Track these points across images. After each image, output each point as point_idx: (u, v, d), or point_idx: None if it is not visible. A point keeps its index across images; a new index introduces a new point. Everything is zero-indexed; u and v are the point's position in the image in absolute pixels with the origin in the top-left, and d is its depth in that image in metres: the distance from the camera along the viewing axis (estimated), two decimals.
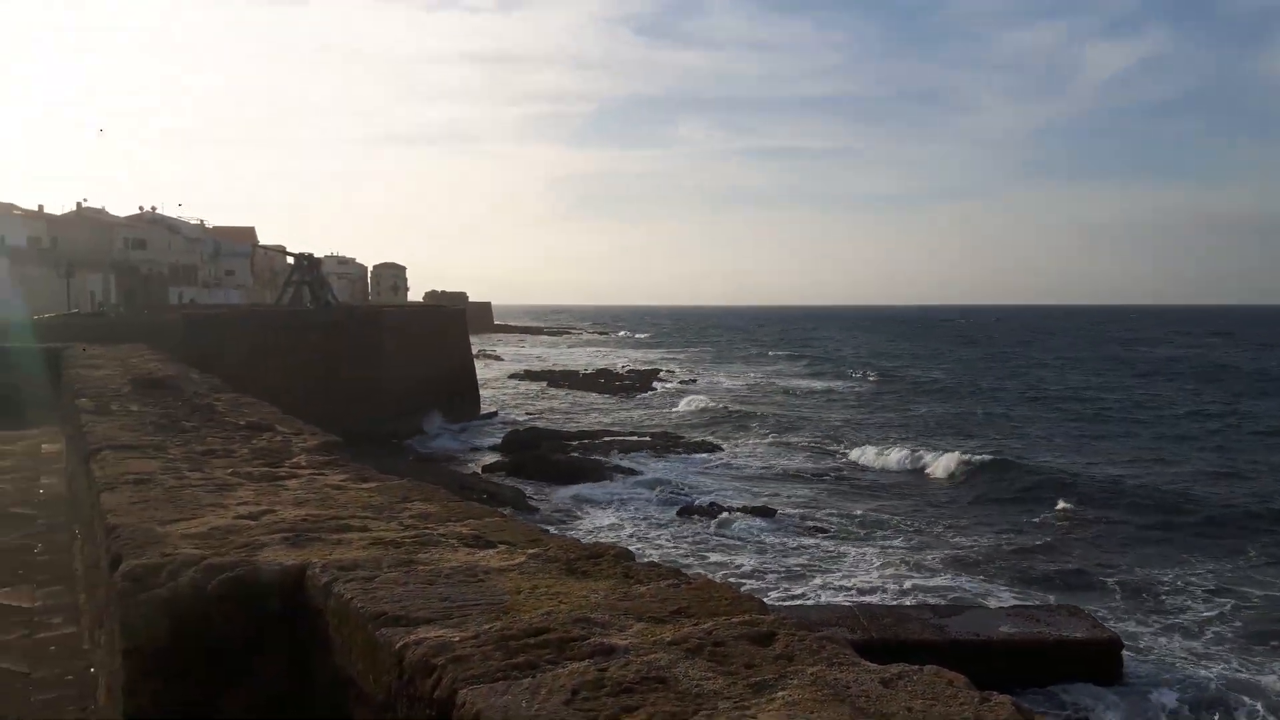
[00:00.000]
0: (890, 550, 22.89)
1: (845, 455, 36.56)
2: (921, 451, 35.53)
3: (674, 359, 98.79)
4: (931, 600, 18.26)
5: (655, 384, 68.21)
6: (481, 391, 53.32)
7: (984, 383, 68.31)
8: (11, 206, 68.20)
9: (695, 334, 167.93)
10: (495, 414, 49.94)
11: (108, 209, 79.35)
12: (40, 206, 71.45)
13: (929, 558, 22.21)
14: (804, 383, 70.30)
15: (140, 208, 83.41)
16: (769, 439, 41.32)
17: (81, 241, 67.47)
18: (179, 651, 2.16)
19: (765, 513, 26.20)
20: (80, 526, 5.39)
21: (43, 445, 9.47)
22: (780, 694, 1.46)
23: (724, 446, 39.06)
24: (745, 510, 26.41)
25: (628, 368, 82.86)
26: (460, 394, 47.78)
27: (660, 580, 2.10)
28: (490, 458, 36.37)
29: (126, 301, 61.33)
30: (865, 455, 35.91)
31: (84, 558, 4.88)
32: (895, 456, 35.03)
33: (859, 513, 26.89)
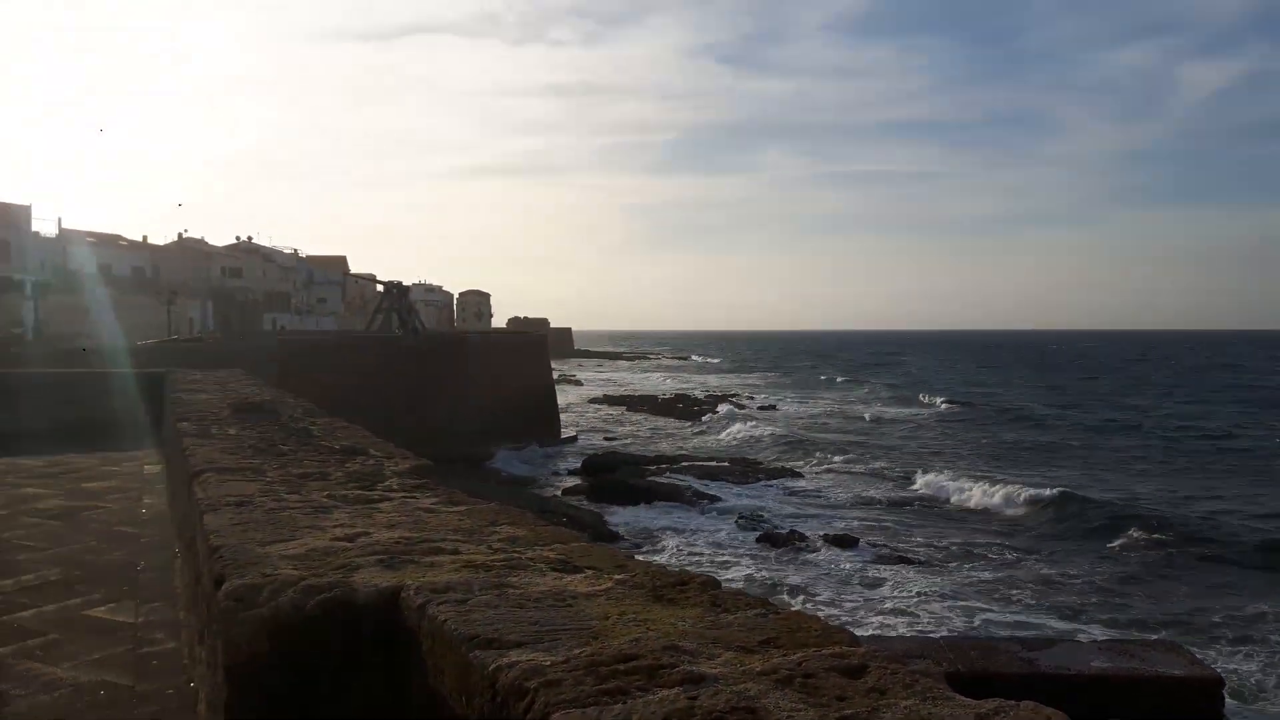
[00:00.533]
0: (976, 581, 22.31)
1: (929, 483, 35.73)
2: (1008, 481, 34.57)
3: (752, 384, 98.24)
4: (1019, 633, 17.71)
5: (733, 409, 67.88)
6: (562, 415, 53.77)
7: (1075, 410, 66.33)
8: (118, 238, 71.45)
9: (774, 359, 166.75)
10: (575, 438, 50.29)
11: (206, 239, 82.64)
12: (144, 237, 74.79)
13: (1016, 590, 21.59)
14: (888, 409, 69.18)
15: (236, 237, 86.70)
16: (850, 466, 40.72)
17: (181, 270, 70.34)
18: (278, 669, 2.23)
19: (846, 541, 25.80)
20: (180, 545, 5.59)
21: (145, 466, 9.86)
22: None
23: (804, 473, 38.62)
24: (826, 538, 26.06)
25: (706, 393, 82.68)
26: (541, 418, 48.27)
27: (748, 609, 2.09)
28: (570, 481, 36.59)
29: (222, 327, 63.59)
30: (950, 484, 35.05)
31: (183, 576, 5.06)
32: (981, 485, 34.09)
33: (943, 542, 26.28)
